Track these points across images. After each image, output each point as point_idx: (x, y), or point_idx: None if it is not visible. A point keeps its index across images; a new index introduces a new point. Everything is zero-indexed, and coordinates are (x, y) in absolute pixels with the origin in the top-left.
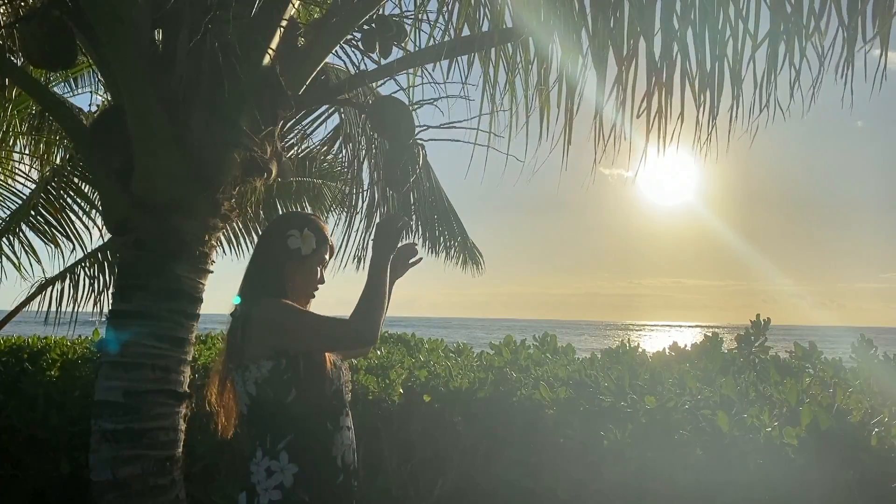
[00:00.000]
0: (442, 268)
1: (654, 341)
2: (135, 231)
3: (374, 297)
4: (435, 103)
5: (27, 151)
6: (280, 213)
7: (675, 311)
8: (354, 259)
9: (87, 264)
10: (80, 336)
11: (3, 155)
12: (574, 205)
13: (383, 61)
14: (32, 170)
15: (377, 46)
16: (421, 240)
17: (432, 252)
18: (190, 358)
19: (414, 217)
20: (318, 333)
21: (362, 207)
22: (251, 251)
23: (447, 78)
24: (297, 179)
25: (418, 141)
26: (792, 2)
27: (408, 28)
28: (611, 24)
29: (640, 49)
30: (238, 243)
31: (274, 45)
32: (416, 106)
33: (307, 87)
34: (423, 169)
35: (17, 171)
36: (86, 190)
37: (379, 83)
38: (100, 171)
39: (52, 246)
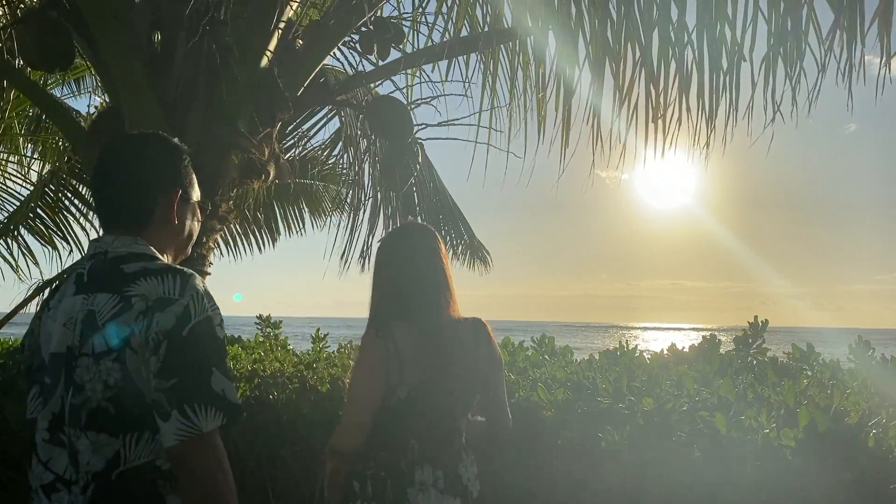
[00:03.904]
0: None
1: (652, 343)
2: None
3: None
4: (433, 103)
5: (25, 153)
6: (278, 215)
7: (673, 312)
8: (359, 261)
9: None
10: None
11: (1, 157)
12: (572, 207)
13: (381, 62)
14: (31, 171)
15: (375, 48)
16: None
17: None
18: None
19: (419, 218)
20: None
21: (365, 210)
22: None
23: (446, 78)
24: (295, 181)
25: (417, 140)
26: (789, 6)
27: (406, 30)
28: (608, 30)
29: (638, 54)
30: (236, 245)
31: (272, 46)
32: (413, 105)
33: (305, 88)
34: (426, 168)
35: (16, 172)
36: (83, 192)
37: (376, 83)
38: None
39: (49, 248)
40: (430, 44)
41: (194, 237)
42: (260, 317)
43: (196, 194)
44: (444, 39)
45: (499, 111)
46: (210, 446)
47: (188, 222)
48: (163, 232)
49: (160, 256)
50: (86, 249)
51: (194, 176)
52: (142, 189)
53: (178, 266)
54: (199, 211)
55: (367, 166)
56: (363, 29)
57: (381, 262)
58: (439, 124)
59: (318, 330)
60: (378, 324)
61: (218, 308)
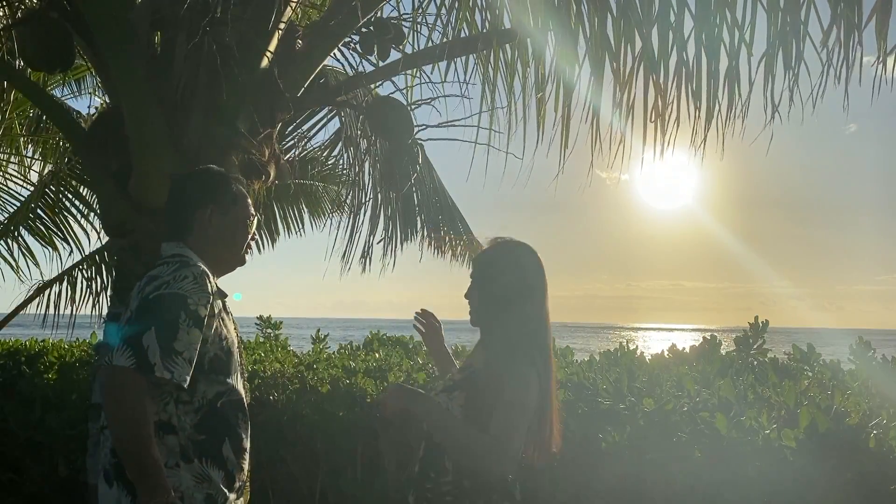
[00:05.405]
0: (447, 269)
1: (652, 344)
2: (133, 233)
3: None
4: (433, 103)
5: (26, 154)
6: (278, 215)
7: (674, 313)
8: (360, 262)
9: (85, 267)
10: (77, 339)
11: (1, 157)
12: (571, 207)
13: (381, 63)
14: (31, 172)
15: (375, 49)
16: (426, 241)
17: (438, 253)
18: None
19: (419, 219)
20: None
21: (365, 210)
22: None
23: (445, 78)
24: (295, 182)
25: (417, 140)
26: (789, 6)
27: (406, 30)
28: (607, 27)
29: (638, 54)
30: None
31: (272, 47)
32: (413, 106)
33: (305, 89)
34: (426, 169)
35: (16, 172)
36: (84, 192)
37: (377, 84)
38: (98, 173)
39: (50, 248)
40: (429, 45)
41: (240, 243)
42: (260, 317)
43: (242, 211)
44: (444, 40)
45: (498, 111)
46: (120, 379)
47: (228, 232)
48: (203, 240)
49: (193, 257)
50: (86, 250)
51: (243, 197)
52: (180, 207)
53: (193, 263)
54: (247, 223)
55: (367, 167)
56: (363, 30)
57: (536, 281)
58: (439, 125)
59: (318, 331)
60: (532, 352)
61: (205, 294)
